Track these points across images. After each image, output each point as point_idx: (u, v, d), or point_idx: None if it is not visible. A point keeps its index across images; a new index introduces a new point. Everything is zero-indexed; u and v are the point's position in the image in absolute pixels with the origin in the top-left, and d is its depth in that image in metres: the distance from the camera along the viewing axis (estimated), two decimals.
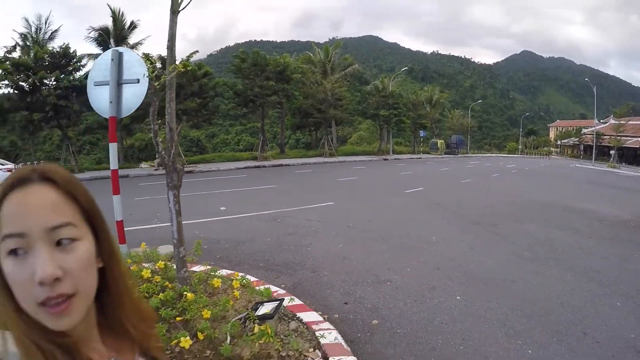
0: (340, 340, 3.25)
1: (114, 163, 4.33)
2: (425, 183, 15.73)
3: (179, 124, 3.55)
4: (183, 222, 3.54)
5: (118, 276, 0.70)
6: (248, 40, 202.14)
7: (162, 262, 3.90)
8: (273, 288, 4.11)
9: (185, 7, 3.36)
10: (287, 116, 34.25)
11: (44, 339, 0.60)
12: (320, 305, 4.11)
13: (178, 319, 2.96)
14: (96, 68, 3.93)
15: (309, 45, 39.23)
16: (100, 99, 3.97)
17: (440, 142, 43.68)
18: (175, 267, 3.62)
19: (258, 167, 23.25)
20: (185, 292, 3.15)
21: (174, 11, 3.31)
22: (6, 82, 23.91)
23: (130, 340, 0.75)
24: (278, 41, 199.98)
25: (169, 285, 3.42)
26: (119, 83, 3.70)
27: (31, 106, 23.14)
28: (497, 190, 14.94)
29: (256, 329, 2.92)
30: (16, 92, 23.93)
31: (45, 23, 27.33)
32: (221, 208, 9.77)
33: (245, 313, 3.18)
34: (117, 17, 25.18)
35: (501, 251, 6.58)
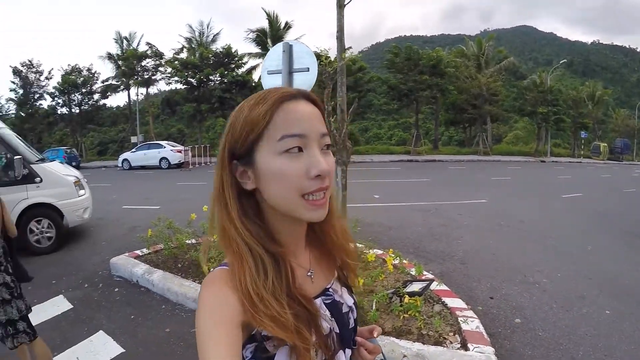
0: (482, 330, 3.17)
1: None
2: (584, 189, 13.74)
3: (349, 107, 3.87)
4: None
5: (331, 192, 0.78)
6: (398, 35, 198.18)
7: None
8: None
9: (349, 1, 3.67)
10: (441, 112, 33.14)
11: (258, 243, 0.68)
12: (465, 296, 4.03)
13: None
14: (269, 58, 4.49)
15: (460, 39, 36.93)
16: (273, 85, 4.54)
17: (603, 145, 36.05)
18: None
19: (411, 161, 23.16)
20: None
21: (340, 5, 3.66)
22: (176, 78, 28.91)
23: (331, 259, 0.84)
24: (428, 35, 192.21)
25: None
26: (290, 72, 4.20)
27: (199, 99, 27.51)
28: None
29: (406, 299, 3.03)
30: (185, 87, 28.61)
31: (207, 27, 31.89)
32: (375, 196, 10.14)
33: (395, 288, 3.31)
34: (272, 19, 27.46)
35: None
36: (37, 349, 2.77)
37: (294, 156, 0.65)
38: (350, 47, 24.47)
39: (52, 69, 38.28)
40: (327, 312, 0.76)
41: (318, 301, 0.75)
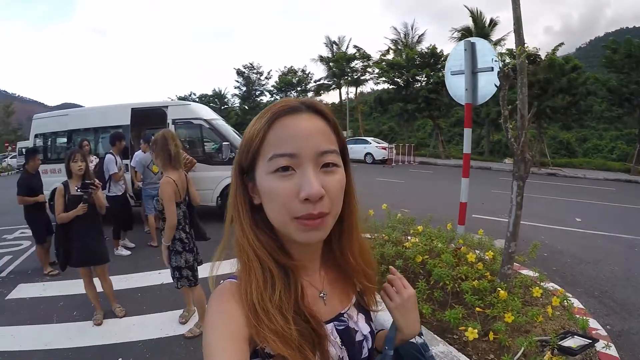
0: None
1: (467, 147, 4.59)
2: None
3: (536, 115, 3.28)
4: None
5: (352, 209, 0.75)
6: (619, 27, 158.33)
7: (492, 253, 3.86)
8: (593, 324, 3.32)
9: None
10: None
11: (269, 255, 0.67)
12: None
13: (478, 309, 2.88)
14: (452, 58, 4.20)
15: None
16: (456, 86, 4.25)
17: None
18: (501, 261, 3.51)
19: (629, 181, 18.51)
20: (499, 289, 3.00)
21: None
22: (384, 78, 29.76)
23: (349, 283, 0.80)
24: None
25: (488, 276, 3.35)
26: (473, 71, 3.83)
27: (406, 98, 27.80)
28: None
29: (547, 358, 2.46)
30: (393, 87, 29.31)
31: (412, 29, 31.93)
32: (576, 219, 8.54)
33: (548, 337, 2.73)
34: (476, 17, 25.66)
35: None
36: (195, 294, 3.54)
37: (285, 176, 0.62)
38: (563, 44, 20.88)
39: (271, 70, 45.26)
40: (338, 339, 0.72)
41: (330, 326, 0.72)
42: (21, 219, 5.33)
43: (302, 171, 0.62)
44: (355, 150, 22.78)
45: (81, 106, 14.29)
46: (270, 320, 0.61)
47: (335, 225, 0.69)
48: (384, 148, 22.24)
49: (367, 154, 22.33)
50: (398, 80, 28.43)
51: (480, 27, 25.59)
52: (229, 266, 0.74)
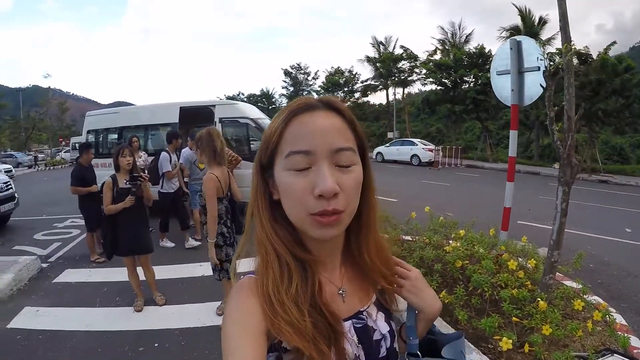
0: None
1: (512, 150, 4.47)
2: None
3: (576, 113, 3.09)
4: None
5: (370, 206, 0.75)
6: None
7: (534, 262, 3.71)
8: (635, 342, 3.11)
9: None
10: None
11: (286, 249, 0.68)
12: None
13: (515, 319, 2.77)
14: (497, 57, 4.05)
15: None
16: (502, 87, 4.11)
17: None
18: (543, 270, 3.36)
19: None
20: (539, 299, 2.89)
21: None
22: (431, 79, 29.07)
23: (369, 281, 0.79)
24: None
25: (529, 285, 3.22)
26: (519, 71, 3.68)
27: (453, 99, 27.03)
28: None
29: None
30: (440, 88, 28.57)
31: (459, 28, 30.92)
32: (627, 229, 8.05)
33: (586, 353, 2.59)
34: (525, 15, 24.58)
35: None
36: None
37: (301, 173, 0.64)
38: (615, 42, 19.43)
39: (318, 70, 45.75)
40: (355, 337, 0.72)
41: (347, 324, 0.72)
42: (71, 209, 5.68)
43: (317, 168, 0.63)
44: (402, 152, 22.63)
45: (132, 104, 15.03)
46: (285, 312, 0.62)
47: (353, 222, 0.70)
48: (431, 150, 21.81)
49: (414, 155, 22.05)
50: (445, 81, 27.75)
51: (529, 26, 24.54)
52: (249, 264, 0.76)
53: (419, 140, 24.45)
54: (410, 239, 4.84)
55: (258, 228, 0.71)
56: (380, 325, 0.78)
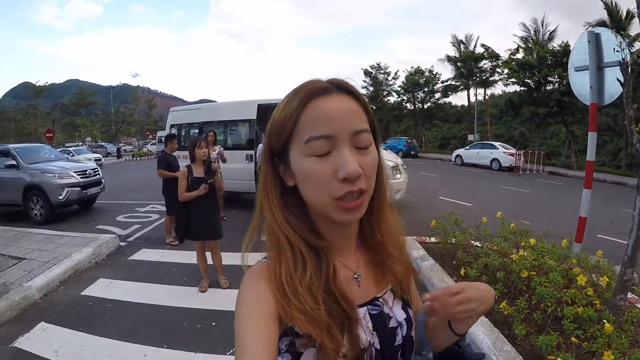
0: None
1: (590, 154, 4.13)
2: None
3: None
4: None
5: (382, 187, 0.73)
6: None
7: (607, 279, 3.36)
8: None
9: None
10: None
11: (299, 237, 0.68)
12: None
13: (574, 339, 2.53)
14: (575, 52, 3.69)
15: None
16: (581, 84, 3.75)
17: None
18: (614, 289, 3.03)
19: None
20: (605, 320, 2.61)
21: None
22: (513, 79, 27.11)
23: (387, 266, 0.76)
24: None
25: (597, 305, 2.93)
26: (598, 67, 3.32)
27: (537, 101, 25.13)
28: None
29: None
30: (523, 88, 26.64)
31: (542, 25, 28.33)
32: None
33: None
34: (611, 9, 22.03)
35: None
36: None
37: (322, 158, 0.63)
38: None
39: (398, 70, 44.86)
40: (370, 324, 0.71)
41: (363, 310, 0.71)
42: (152, 196, 6.19)
43: (338, 152, 0.62)
44: (482, 155, 21.70)
45: (215, 101, 16.02)
46: (298, 300, 0.62)
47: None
48: (512, 154, 20.60)
49: (494, 159, 21.05)
50: (528, 81, 25.88)
51: (617, 21, 21.98)
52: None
53: (500, 143, 23.15)
54: (479, 245, 4.67)
55: (269, 217, 0.70)
56: (397, 312, 0.76)
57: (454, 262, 4.55)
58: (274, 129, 0.68)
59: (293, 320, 0.62)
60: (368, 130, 0.66)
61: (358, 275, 0.74)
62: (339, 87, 0.66)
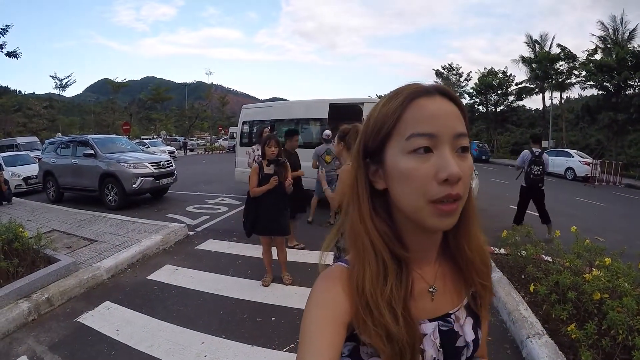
0: None
1: None
2: None
3: None
4: None
5: (471, 197, 0.69)
6: None
7: None
8: None
9: None
10: None
11: (385, 244, 0.65)
12: None
13: None
14: None
15: None
16: None
17: None
18: None
19: None
20: None
21: None
22: (591, 82, 24.93)
23: (463, 282, 0.74)
24: None
25: None
26: None
27: (616, 106, 23.27)
28: None
29: None
30: (602, 92, 24.69)
31: (622, 23, 25.81)
32: None
33: None
34: None
35: None
36: None
37: (422, 157, 0.61)
38: None
39: (471, 71, 43.63)
40: (438, 340, 0.68)
41: (432, 325, 0.69)
42: (223, 188, 6.38)
43: (439, 152, 0.60)
44: (556, 164, 20.15)
45: (286, 100, 16.43)
46: (380, 315, 0.60)
47: None
48: (588, 164, 19.20)
49: (568, 168, 19.70)
50: (607, 84, 23.88)
51: None
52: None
53: (576, 151, 21.54)
54: (550, 260, 4.39)
55: (355, 220, 0.68)
56: (467, 331, 0.73)
57: (523, 276, 4.31)
58: (372, 125, 0.67)
59: (368, 334, 0.61)
60: (467, 135, 0.64)
61: (434, 289, 0.71)
62: (441, 91, 0.65)
